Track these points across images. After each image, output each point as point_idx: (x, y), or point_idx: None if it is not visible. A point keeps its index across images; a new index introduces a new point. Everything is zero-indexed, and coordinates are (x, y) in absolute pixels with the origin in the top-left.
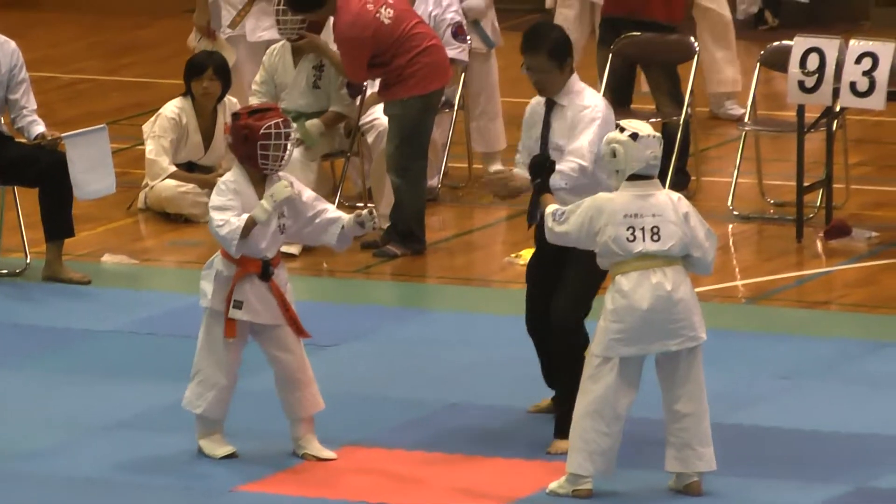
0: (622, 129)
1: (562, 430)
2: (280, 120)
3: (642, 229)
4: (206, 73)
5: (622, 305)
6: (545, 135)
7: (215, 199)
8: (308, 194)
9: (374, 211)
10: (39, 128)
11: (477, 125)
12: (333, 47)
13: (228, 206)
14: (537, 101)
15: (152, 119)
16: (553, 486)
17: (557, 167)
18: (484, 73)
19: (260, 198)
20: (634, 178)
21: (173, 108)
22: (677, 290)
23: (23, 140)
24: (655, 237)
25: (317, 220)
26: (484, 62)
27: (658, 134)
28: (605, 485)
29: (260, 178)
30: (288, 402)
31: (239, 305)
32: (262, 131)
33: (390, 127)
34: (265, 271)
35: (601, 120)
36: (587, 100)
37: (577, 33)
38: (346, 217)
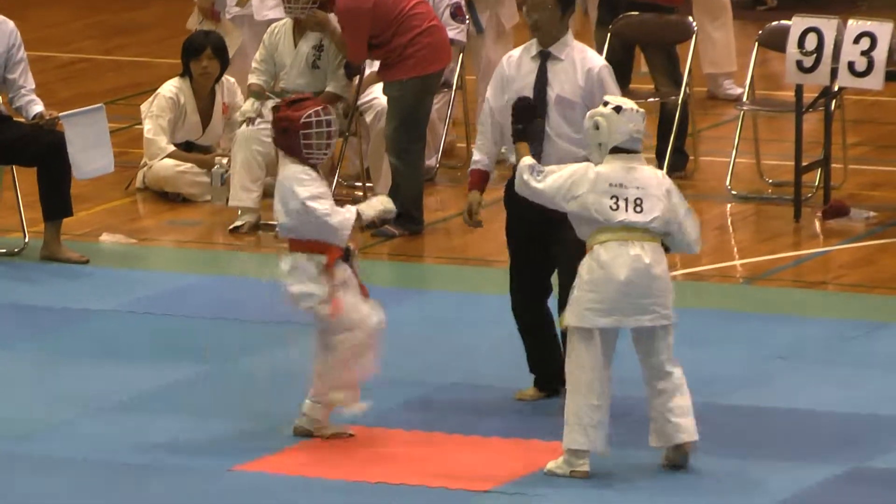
0: (605, 104)
1: None
2: (320, 108)
3: (626, 199)
4: (205, 53)
5: (599, 276)
6: (541, 87)
7: (306, 190)
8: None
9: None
10: (38, 107)
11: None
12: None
13: (324, 194)
14: (514, 56)
15: (150, 99)
16: (551, 466)
17: None
18: (482, 54)
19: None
20: (618, 151)
21: (171, 87)
22: (655, 266)
23: (21, 120)
24: (638, 209)
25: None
26: (481, 44)
27: (641, 109)
28: (601, 464)
29: (311, 167)
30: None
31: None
32: (302, 121)
33: (389, 108)
34: (347, 255)
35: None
36: (596, 58)
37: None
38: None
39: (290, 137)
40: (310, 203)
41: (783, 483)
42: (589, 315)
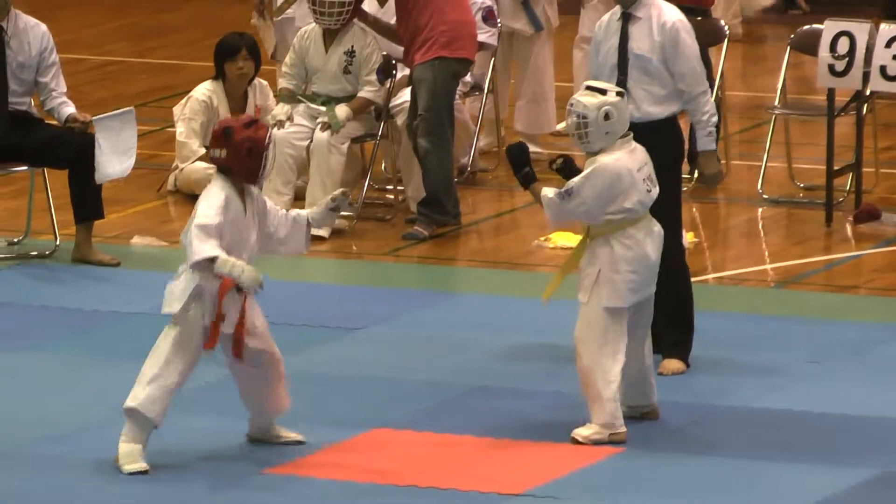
0: (602, 91)
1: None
2: (269, 132)
3: (648, 179)
4: (241, 54)
5: (636, 256)
6: (622, 46)
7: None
8: (269, 203)
9: (348, 193)
10: (69, 109)
11: (520, 105)
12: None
13: (218, 227)
14: (605, 20)
15: (183, 101)
16: (584, 433)
17: (702, 122)
18: (530, 54)
19: (245, 210)
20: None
21: (204, 90)
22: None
23: (53, 122)
24: (653, 184)
25: (281, 228)
26: (531, 43)
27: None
28: (628, 466)
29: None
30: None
31: (222, 318)
32: (266, 142)
33: (421, 93)
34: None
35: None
36: (672, 13)
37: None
38: (304, 213)
39: (252, 159)
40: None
41: (815, 486)
42: (628, 295)
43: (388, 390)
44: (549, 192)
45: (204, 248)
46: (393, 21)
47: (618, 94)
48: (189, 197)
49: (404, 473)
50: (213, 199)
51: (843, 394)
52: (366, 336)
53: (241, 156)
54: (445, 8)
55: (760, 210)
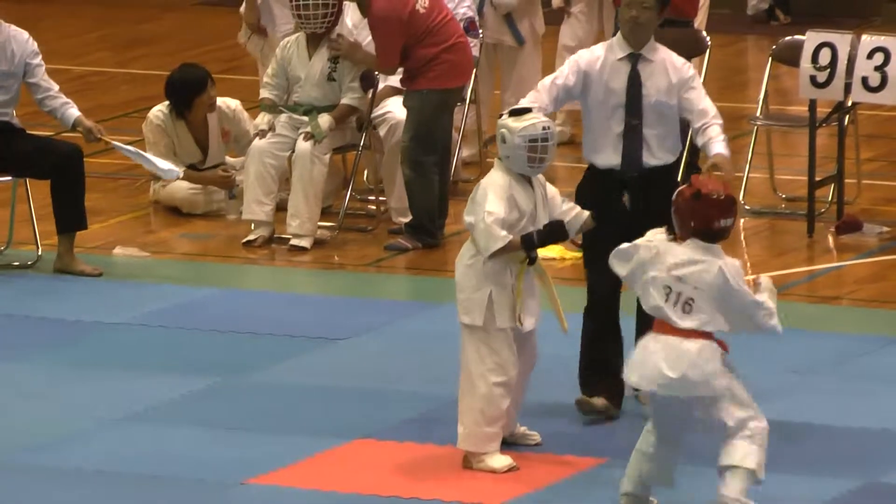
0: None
1: None
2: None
3: None
4: (209, 84)
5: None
6: (635, 90)
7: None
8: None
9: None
10: (74, 111)
11: None
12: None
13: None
14: (596, 55)
15: (145, 122)
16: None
17: (719, 136)
18: (515, 64)
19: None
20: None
21: (157, 115)
22: None
23: (35, 132)
24: None
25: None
26: (516, 54)
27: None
28: (613, 474)
29: None
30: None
31: None
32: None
33: (407, 119)
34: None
35: None
36: (679, 57)
37: (583, 31)
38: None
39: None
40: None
41: (797, 497)
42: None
43: (370, 401)
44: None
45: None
46: (368, 36)
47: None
48: (171, 208)
49: (387, 484)
50: (742, 275)
51: (825, 404)
52: (348, 347)
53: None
54: (449, 39)
55: (742, 221)
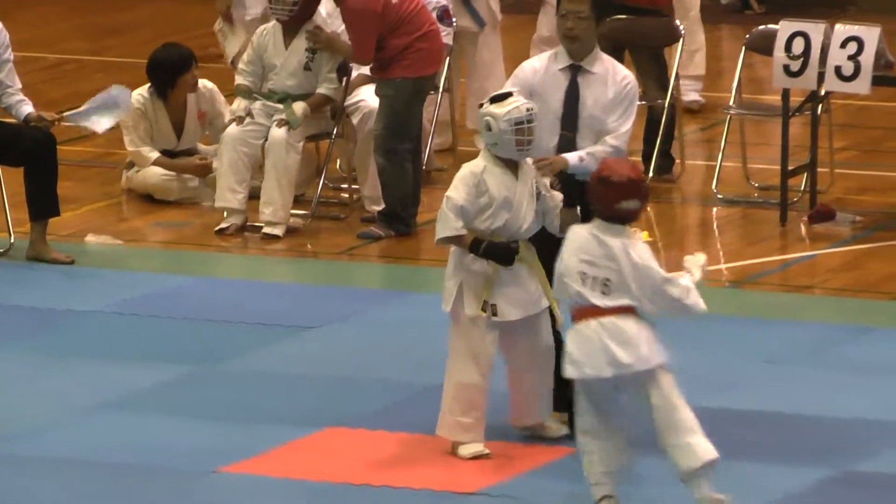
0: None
1: None
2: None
3: None
4: (194, 64)
5: None
6: (572, 102)
7: None
8: None
9: None
10: (27, 108)
11: (471, 102)
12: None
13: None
14: (537, 66)
15: None
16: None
17: (597, 151)
18: (476, 50)
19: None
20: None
21: (138, 98)
22: None
23: (8, 120)
24: None
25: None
26: (476, 40)
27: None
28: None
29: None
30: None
31: None
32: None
33: (380, 108)
34: None
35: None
36: (624, 71)
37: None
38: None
39: None
40: None
41: (770, 486)
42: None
43: (343, 389)
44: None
45: (698, 298)
46: (340, 24)
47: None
48: (144, 196)
49: (358, 472)
50: (650, 254)
51: (798, 394)
52: (321, 335)
53: (646, 200)
54: (422, 28)
55: (715, 210)
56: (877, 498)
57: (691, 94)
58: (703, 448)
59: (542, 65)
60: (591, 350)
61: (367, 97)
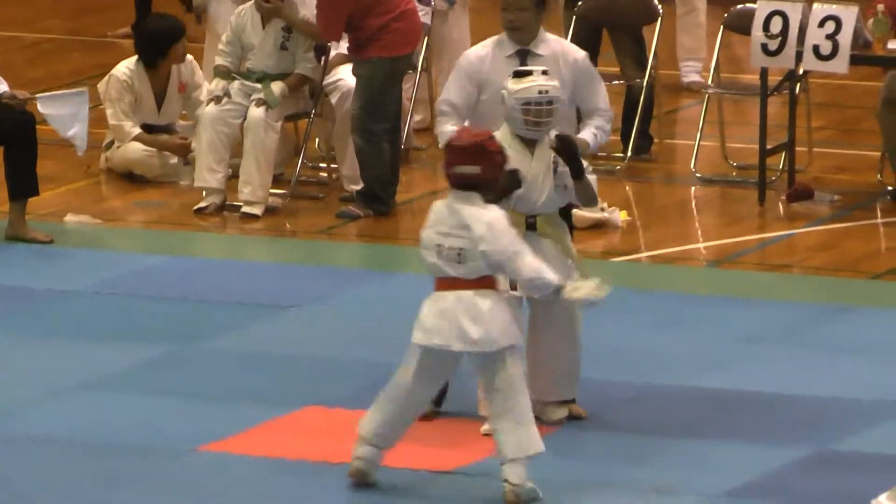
0: (531, 73)
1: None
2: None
3: None
4: (184, 34)
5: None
6: None
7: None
8: None
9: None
10: (2, 86)
11: (442, 81)
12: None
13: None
14: (483, 54)
15: (105, 79)
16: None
17: (600, 125)
18: (446, 28)
19: None
20: None
21: (124, 70)
22: None
23: None
24: None
25: None
26: (446, 17)
27: None
28: (557, 442)
29: None
30: None
31: None
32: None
33: (357, 88)
34: None
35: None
36: (576, 50)
37: None
38: None
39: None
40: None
41: (748, 464)
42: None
43: (321, 368)
44: (592, 177)
45: (550, 276)
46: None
47: (543, 72)
48: (123, 175)
49: (336, 452)
50: (505, 225)
51: (776, 373)
52: (300, 314)
53: (496, 170)
54: (398, 8)
55: (694, 189)
56: (855, 476)
57: (692, 76)
58: (532, 440)
59: (487, 52)
60: (443, 321)
61: (345, 76)
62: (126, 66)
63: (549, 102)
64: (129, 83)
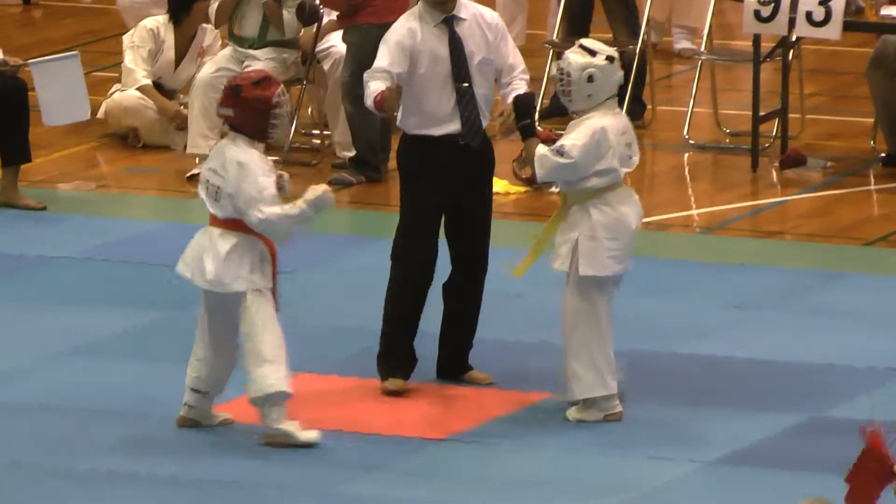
0: (592, 53)
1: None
2: (281, 88)
3: (628, 145)
4: None
5: (614, 221)
6: (459, 52)
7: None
8: None
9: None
10: None
11: None
12: None
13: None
14: (411, 27)
15: (132, 30)
16: (576, 415)
17: (525, 79)
18: None
19: None
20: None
21: (154, 21)
22: None
23: None
24: (633, 152)
25: None
26: None
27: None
28: (547, 417)
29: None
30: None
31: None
32: (274, 100)
33: (347, 55)
34: None
35: None
36: (489, 11)
37: None
38: None
39: (261, 119)
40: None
41: (741, 432)
42: (610, 263)
43: (314, 335)
44: (542, 148)
45: (283, 226)
46: None
47: (607, 57)
48: (116, 139)
49: (329, 418)
50: (259, 165)
51: (769, 340)
52: (292, 281)
53: (249, 114)
54: None
55: (686, 156)
56: (847, 443)
57: (682, 42)
58: (273, 379)
59: (414, 24)
60: (196, 255)
61: (337, 43)
62: (155, 19)
63: (562, 74)
64: (154, 32)
